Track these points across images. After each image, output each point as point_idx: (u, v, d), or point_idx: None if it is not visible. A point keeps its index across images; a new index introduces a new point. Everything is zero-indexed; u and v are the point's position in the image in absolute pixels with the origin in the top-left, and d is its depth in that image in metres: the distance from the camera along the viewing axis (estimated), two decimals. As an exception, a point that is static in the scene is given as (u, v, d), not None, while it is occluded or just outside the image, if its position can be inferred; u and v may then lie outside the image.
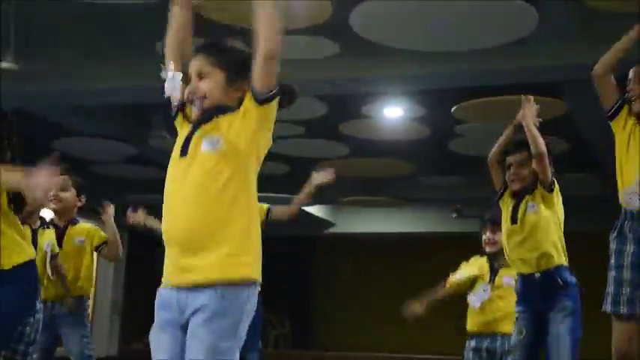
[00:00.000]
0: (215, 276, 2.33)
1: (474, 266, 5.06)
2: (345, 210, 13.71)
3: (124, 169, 10.22)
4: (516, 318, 4.21)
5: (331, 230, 14.22)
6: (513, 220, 4.21)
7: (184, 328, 2.36)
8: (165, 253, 2.44)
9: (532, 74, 6.17)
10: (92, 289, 4.64)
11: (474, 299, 4.95)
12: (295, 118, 7.91)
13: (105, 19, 5.81)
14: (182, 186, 2.40)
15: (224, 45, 2.53)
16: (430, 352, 12.90)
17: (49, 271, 4.38)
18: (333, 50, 6.03)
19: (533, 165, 4.16)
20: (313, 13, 5.25)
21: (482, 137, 8.50)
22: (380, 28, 5.53)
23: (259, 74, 2.39)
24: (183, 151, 2.44)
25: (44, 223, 4.47)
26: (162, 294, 2.43)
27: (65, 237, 4.57)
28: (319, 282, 15.79)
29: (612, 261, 3.43)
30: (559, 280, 4.09)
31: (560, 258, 4.14)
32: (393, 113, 7.98)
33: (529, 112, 4.17)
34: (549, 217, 4.16)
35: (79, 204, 4.60)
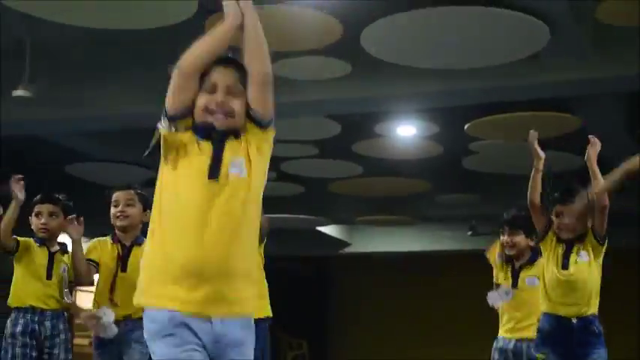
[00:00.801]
0: (251, 310, 2.36)
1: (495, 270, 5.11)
2: (360, 229, 13.70)
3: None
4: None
5: (347, 250, 14.20)
6: (564, 266, 4.23)
7: (211, 355, 2.30)
8: (177, 278, 2.29)
9: (545, 90, 6.17)
10: None
11: (493, 297, 4.93)
12: (308, 138, 7.92)
13: (119, 44, 5.85)
14: (212, 212, 2.29)
15: (241, 62, 2.45)
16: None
17: (66, 299, 4.35)
18: (344, 70, 6.04)
19: (589, 214, 4.19)
20: (324, 33, 5.27)
21: (496, 154, 8.51)
22: (391, 46, 5.54)
23: (261, 99, 2.37)
24: (214, 173, 2.32)
25: (63, 248, 4.43)
26: (185, 322, 2.28)
27: (130, 259, 4.24)
28: (336, 302, 15.75)
29: None
30: (595, 328, 4.14)
31: (596, 307, 4.20)
32: (406, 132, 7.98)
33: (593, 154, 4.20)
34: (596, 267, 4.21)
35: (145, 220, 4.27)
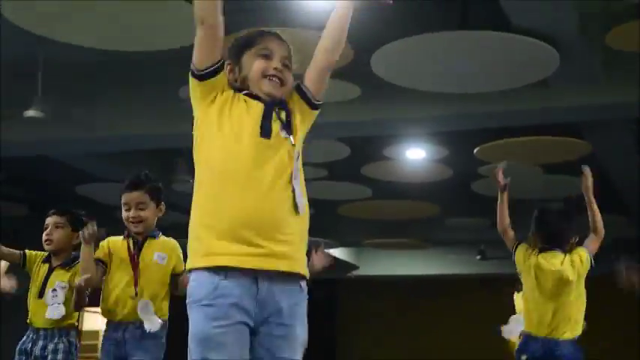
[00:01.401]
0: (301, 270, 2.34)
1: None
2: (368, 253, 13.67)
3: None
4: None
5: (355, 273, 14.16)
6: None
7: (254, 324, 2.25)
8: (231, 233, 2.24)
9: (554, 115, 6.17)
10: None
11: (507, 330, 4.95)
12: (318, 160, 7.93)
13: (131, 65, 5.88)
14: (265, 169, 2.30)
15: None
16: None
17: (52, 314, 4.17)
18: (354, 93, 6.05)
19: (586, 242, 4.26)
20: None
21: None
22: (401, 70, 5.55)
23: (319, 82, 2.50)
24: (266, 132, 2.34)
25: (67, 262, 4.28)
26: (230, 290, 2.22)
27: (142, 252, 3.90)
28: (343, 325, 15.68)
29: None
30: None
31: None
32: (416, 155, 7.99)
33: (588, 184, 4.18)
34: None
35: (160, 214, 4.00)
